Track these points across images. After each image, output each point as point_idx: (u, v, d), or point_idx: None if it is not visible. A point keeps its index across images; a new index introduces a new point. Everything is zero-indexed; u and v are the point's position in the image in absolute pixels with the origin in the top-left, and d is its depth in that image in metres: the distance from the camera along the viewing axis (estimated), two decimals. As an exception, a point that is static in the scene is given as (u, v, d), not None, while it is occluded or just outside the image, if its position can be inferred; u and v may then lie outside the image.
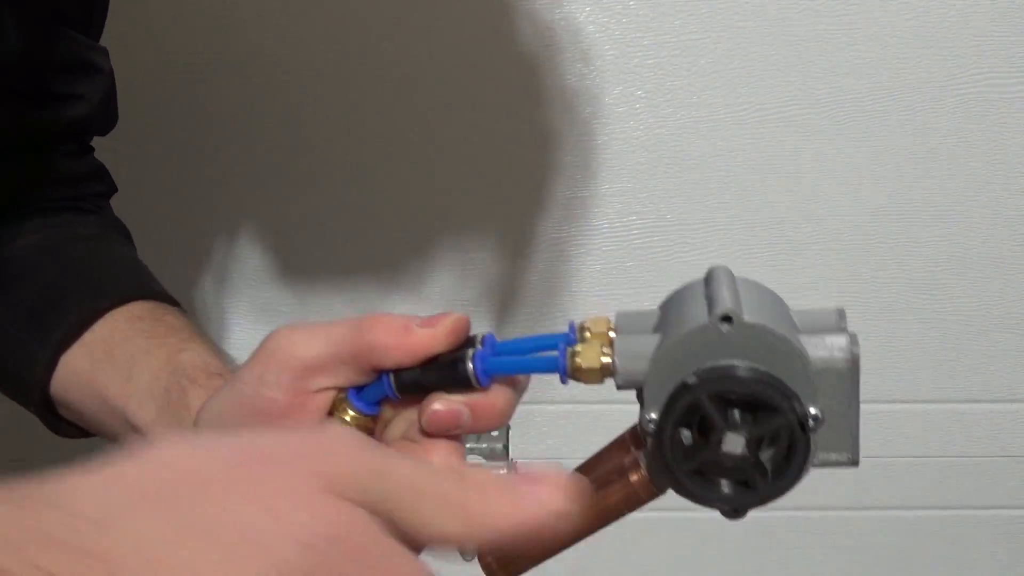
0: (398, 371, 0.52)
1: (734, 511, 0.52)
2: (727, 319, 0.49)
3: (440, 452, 0.52)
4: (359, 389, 0.53)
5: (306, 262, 1.25)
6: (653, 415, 0.50)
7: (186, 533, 0.35)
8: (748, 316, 0.49)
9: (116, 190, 0.84)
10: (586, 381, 0.52)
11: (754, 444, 0.49)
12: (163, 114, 1.18)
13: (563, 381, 0.52)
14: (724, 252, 1.24)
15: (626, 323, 0.53)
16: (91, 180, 0.81)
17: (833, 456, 0.51)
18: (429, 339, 0.52)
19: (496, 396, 0.52)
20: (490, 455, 1.13)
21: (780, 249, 1.24)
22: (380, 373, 0.52)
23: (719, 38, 1.18)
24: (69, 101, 0.76)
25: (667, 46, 1.18)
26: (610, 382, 0.52)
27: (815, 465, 0.51)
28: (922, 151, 1.21)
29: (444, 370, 0.52)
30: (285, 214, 1.22)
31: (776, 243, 1.24)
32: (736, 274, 0.52)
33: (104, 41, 0.80)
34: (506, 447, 1.17)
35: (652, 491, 0.53)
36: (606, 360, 0.51)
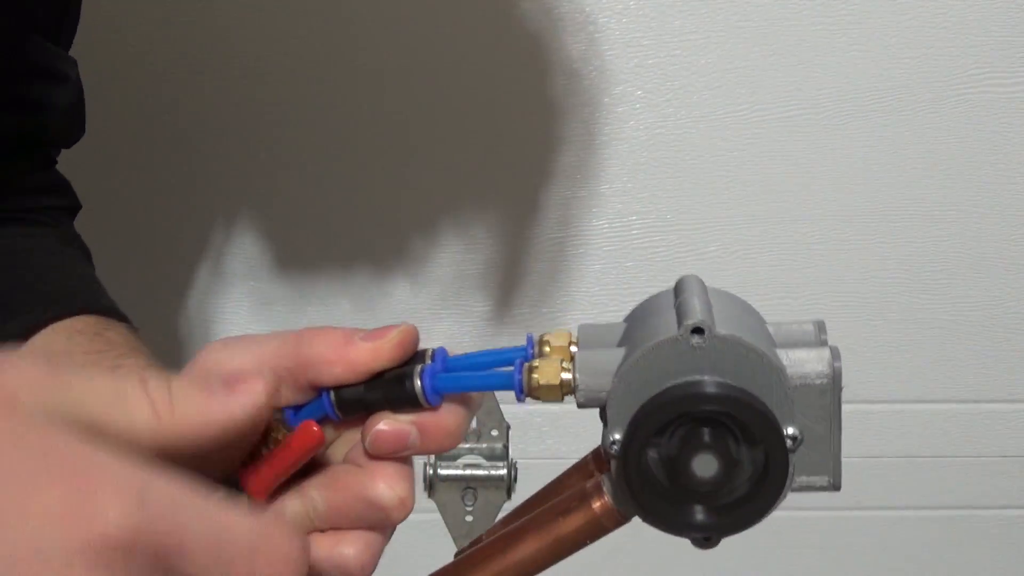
0: (339, 388, 0.48)
1: (705, 540, 0.49)
2: (698, 331, 0.45)
3: (386, 477, 0.47)
4: (297, 408, 0.49)
5: (304, 255, 1.25)
6: (617, 436, 0.46)
7: None
8: (721, 328, 0.46)
9: (79, 207, 0.81)
10: (544, 399, 0.47)
11: (728, 466, 0.46)
12: (158, 110, 1.18)
13: (519, 399, 0.48)
14: (724, 252, 1.24)
15: (589, 337, 0.49)
16: (51, 194, 0.78)
17: (813, 480, 0.49)
18: (372, 353, 0.47)
19: (447, 416, 0.48)
20: (490, 455, 1.13)
21: (780, 249, 1.24)
22: (320, 391, 0.48)
23: (719, 38, 1.18)
24: (32, 108, 0.74)
25: (667, 46, 1.18)
26: (571, 401, 0.48)
27: (794, 490, 0.48)
28: (922, 151, 1.21)
29: (389, 387, 0.47)
30: (282, 207, 1.22)
31: (776, 243, 1.24)
32: (709, 284, 0.49)
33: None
34: (506, 447, 1.17)
35: (617, 518, 0.49)
36: (566, 376, 0.47)
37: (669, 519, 0.48)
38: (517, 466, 1.08)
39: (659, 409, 0.45)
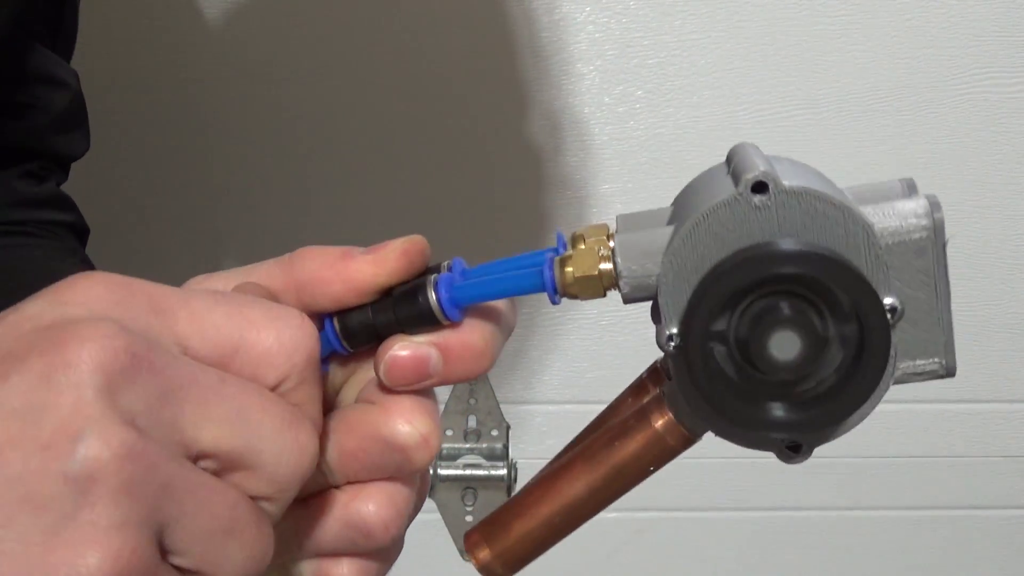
0: (343, 313, 0.41)
1: (794, 447, 0.39)
2: (760, 187, 0.37)
3: (404, 411, 0.41)
4: None
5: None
6: (673, 329, 0.38)
7: None
8: (788, 181, 0.38)
9: (86, 228, 0.78)
10: (583, 296, 0.40)
11: (813, 345, 0.37)
12: (158, 112, 1.18)
13: (553, 300, 0.41)
14: (724, 252, 1.23)
15: (631, 223, 0.41)
16: (48, 207, 0.75)
17: (921, 364, 0.40)
18: (374, 265, 0.41)
19: (471, 333, 0.41)
20: (490, 455, 1.13)
21: (780, 249, 1.24)
22: (322, 319, 0.42)
23: (719, 38, 1.18)
24: (27, 110, 0.72)
25: (667, 46, 1.18)
26: (615, 298, 0.41)
27: (899, 380, 0.40)
28: (922, 151, 1.21)
29: (401, 305, 0.40)
30: (283, 208, 1.22)
31: (776, 243, 1.24)
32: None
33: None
34: (506, 447, 1.17)
35: (682, 436, 0.42)
36: (606, 266, 0.40)
37: (745, 422, 0.38)
38: (517, 466, 1.08)
39: (721, 280, 0.37)
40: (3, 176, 0.73)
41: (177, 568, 0.35)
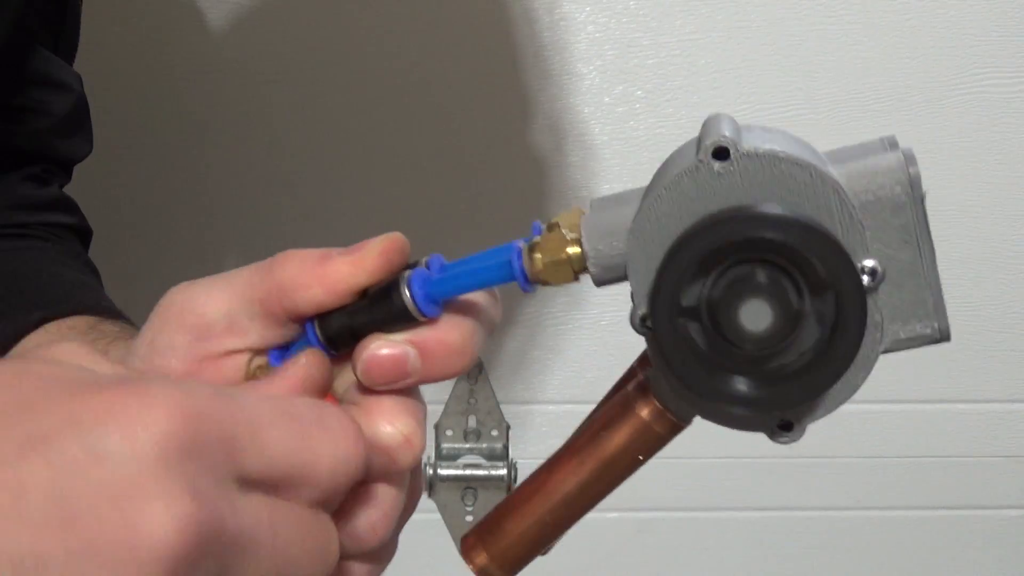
0: (323, 317, 0.41)
1: (785, 425, 0.38)
2: (721, 153, 0.36)
3: (385, 411, 0.40)
4: (283, 349, 0.42)
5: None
6: (644, 308, 0.36)
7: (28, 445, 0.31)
8: (749, 144, 0.36)
9: (89, 230, 0.78)
10: (555, 281, 0.40)
11: (785, 316, 0.35)
12: (158, 114, 1.18)
13: (525, 288, 0.40)
14: (724, 252, 1.23)
15: (603, 204, 0.40)
16: (51, 210, 0.74)
17: (913, 328, 0.38)
18: (352, 266, 0.40)
19: (449, 330, 0.40)
20: (490, 455, 1.13)
21: (780, 249, 1.24)
22: (304, 324, 0.41)
23: (719, 38, 1.18)
24: (29, 113, 0.72)
25: (667, 46, 1.18)
26: (588, 284, 0.40)
27: (891, 348, 0.38)
28: (922, 151, 1.21)
29: (377, 304, 0.40)
30: (283, 210, 1.22)
31: (776, 243, 1.24)
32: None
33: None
34: (506, 447, 1.17)
35: (669, 422, 0.40)
36: (574, 250, 0.39)
37: (726, 399, 0.36)
38: (517, 466, 1.08)
39: (684, 250, 0.35)
40: (6, 179, 0.73)
41: None
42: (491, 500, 1.09)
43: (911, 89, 1.20)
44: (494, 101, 1.19)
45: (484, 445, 1.13)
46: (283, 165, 1.20)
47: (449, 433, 1.23)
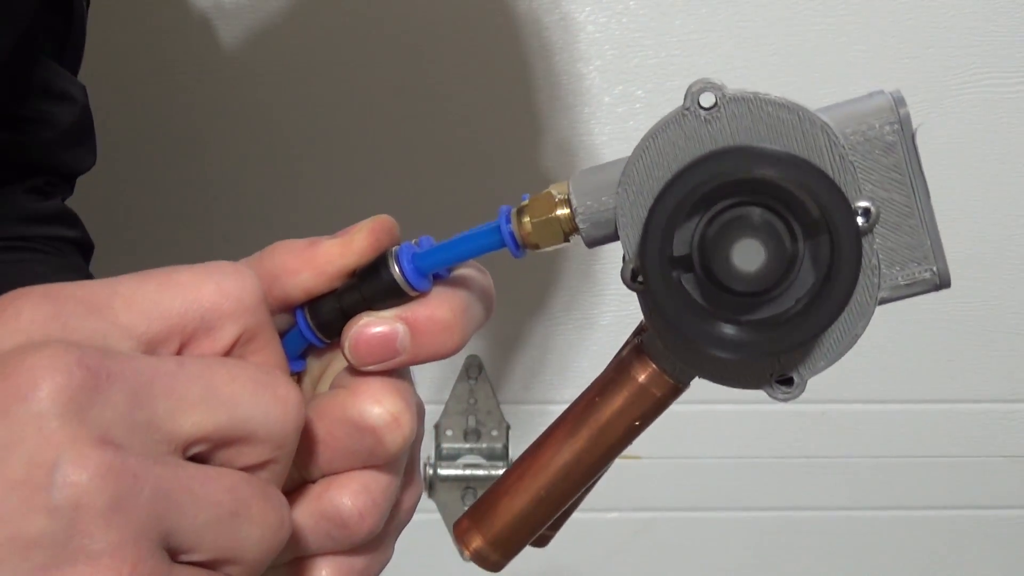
0: (313, 303, 0.41)
1: (784, 380, 0.37)
2: (706, 98, 0.36)
3: (372, 391, 0.39)
4: None
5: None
6: (635, 262, 0.36)
7: None
8: (735, 89, 0.36)
9: (91, 244, 0.77)
10: (544, 244, 0.39)
11: (777, 255, 0.34)
12: (158, 115, 1.18)
13: (515, 253, 0.40)
14: (724, 252, 1.23)
15: (590, 169, 0.40)
16: (54, 223, 0.74)
17: (911, 271, 0.37)
18: (341, 248, 0.40)
19: (439, 304, 0.40)
20: (490, 455, 1.13)
21: (780, 249, 1.24)
22: (294, 312, 0.41)
23: (719, 38, 1.18)
24: (34, 124, 0.71)
25: (667, 46, 1.18)
26: (579, 244, 0.39)
27: (890, 296, 0.37)
28: (922, 151, 1.21)
29: (365, 281, 0.40)
30: (283, 211, 1.22)
31: (776, 243, 1.24)
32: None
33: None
34: (506, 447, 1.17)
35: (667, 384, 0.39)
36: (563, 211, 0.38)
37: (726, 350, 0.35)
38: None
39: (673, 191, 0.34)
40: (9, 191, 0.72)
41: (197, 564, 0.34)
42: (491, 500, 1.09)
43: (911, 89, 1.19)
44: (494, 101, 1.19)
45: (484, 445, 1.13)
46: (288, 167, 1.20)
47: (449, 433, 1.24)
